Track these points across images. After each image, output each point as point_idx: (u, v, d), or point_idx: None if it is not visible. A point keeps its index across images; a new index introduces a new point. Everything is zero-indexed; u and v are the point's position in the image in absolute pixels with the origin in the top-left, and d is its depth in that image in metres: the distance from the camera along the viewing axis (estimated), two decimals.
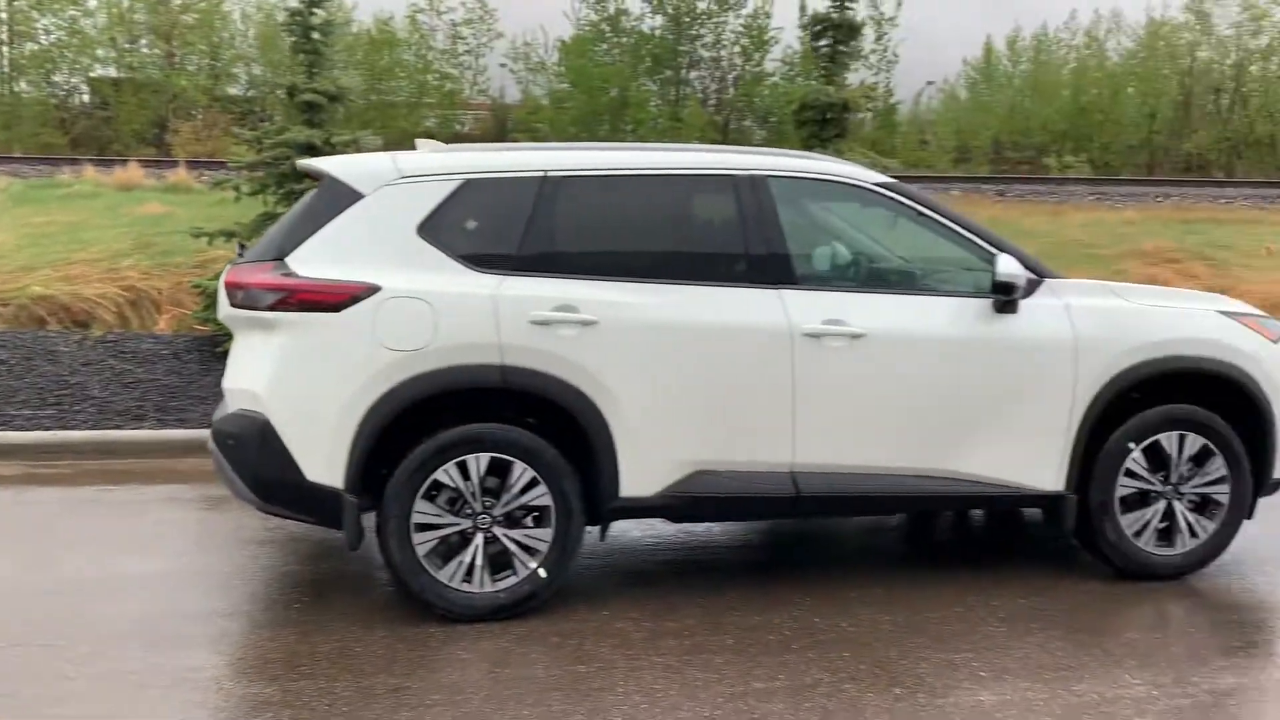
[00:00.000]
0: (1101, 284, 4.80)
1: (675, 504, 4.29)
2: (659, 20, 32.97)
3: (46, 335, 8.44)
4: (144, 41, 34.32)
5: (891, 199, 4.54)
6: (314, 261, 4.07)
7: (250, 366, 4.10)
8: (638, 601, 4.36)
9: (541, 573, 4.17)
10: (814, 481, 4.32)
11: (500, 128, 32.94)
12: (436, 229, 4.15)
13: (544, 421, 4.20)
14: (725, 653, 3.89)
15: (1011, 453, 4.46)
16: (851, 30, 8.65)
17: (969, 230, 4.55)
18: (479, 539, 4.13)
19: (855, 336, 4.30)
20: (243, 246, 4.62)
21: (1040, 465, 4.49)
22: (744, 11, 33.76)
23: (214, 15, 32.87)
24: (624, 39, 33.31)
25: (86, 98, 34.24)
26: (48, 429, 6.51)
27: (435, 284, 4.07)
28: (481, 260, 4.15)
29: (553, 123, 31.63)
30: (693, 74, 31.93)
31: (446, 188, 4.20)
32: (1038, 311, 4.47)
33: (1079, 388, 4.45)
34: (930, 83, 32.91)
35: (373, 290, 4.01)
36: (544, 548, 4.17)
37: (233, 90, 33.56)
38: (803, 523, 5.44)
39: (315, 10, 8.19)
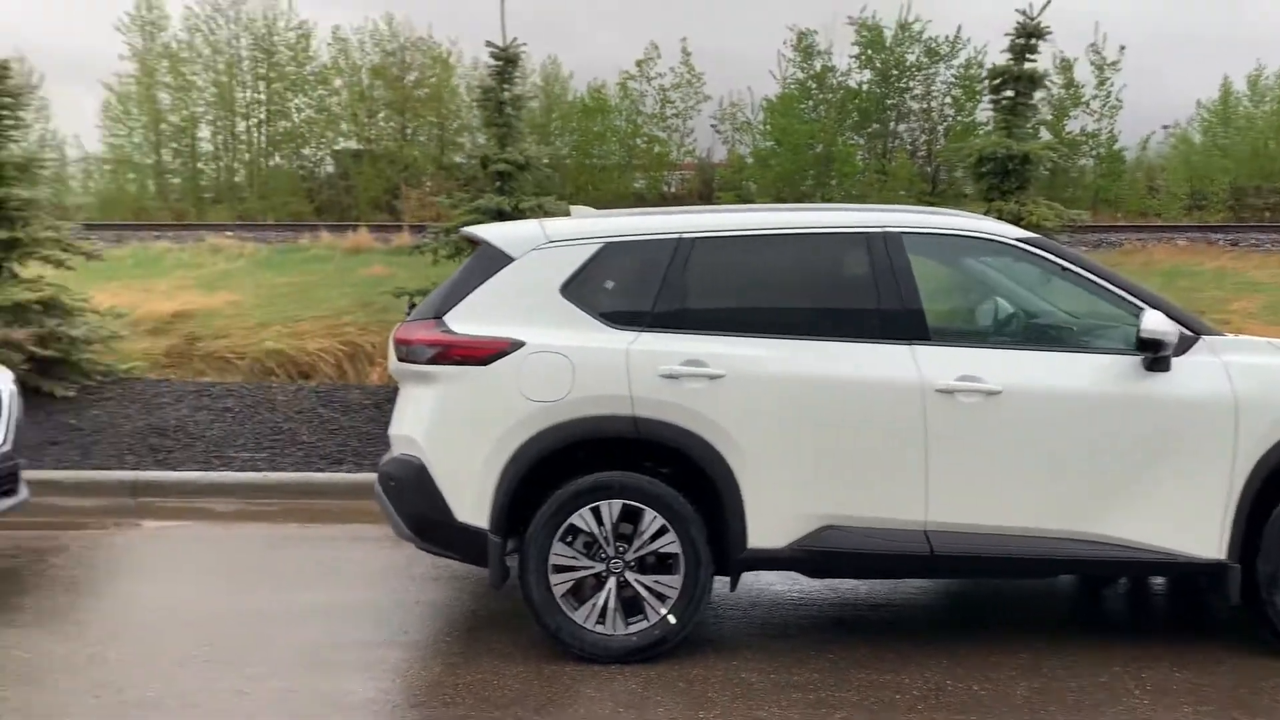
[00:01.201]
0: (1268, 341, 4.53)
1: (804, 557, 4.35)
2: (866, 75, 32.91)
3: (269, 385, 9.35)
4: (381, 116, 37.26)
5: (1033, 254, 4.48)
6: (468, 319, 4.43)
7: (411, 415, 4.49)
8: (768, 652, 4.42)
9: (671, 618, 4.31)
10: (948, 541, 4.28)
11: (706, 187, 33.63)
12: (578, 289, 4.43)
13: (676, 471, 4.37)
14: (847, 708, 3.89)
15: (1165, 518, 4.27)
16: (1032, 82, 8.47)
17: (1116, 285, 4.42)
18: (612, 582, 4.33)
19: (990, 393, 4.25)
20: (412, 305, 5.07)
21: (1197, 532, 4.26)
22: (955, 62, 33.25)
23: (443, 89, 35.30)
24: (830, 95, 33.43)
25: (330, 169, 37.44)
26: (260, 470, 7.23)
27: (574, 340, 4.34)
28: (618, 318, 4.40)
29: (757, 180, 32.04)
30: (901, 126, 31.60)
31: (588, 251, 4.49)
32: (1191, 369, 4.28)
33: (1240, 449, 4.21)
34: (1165, 126, 31.18)
35: (517, 345, 4.33)
36: (673, 594, 4.32)
37: (458, 158, 35.79)
38: (954, 582, 5.33)
39: (506, 86, 8.82)
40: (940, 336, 4.41)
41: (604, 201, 28.61)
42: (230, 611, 4.98)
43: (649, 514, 4.31)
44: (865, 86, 32.94)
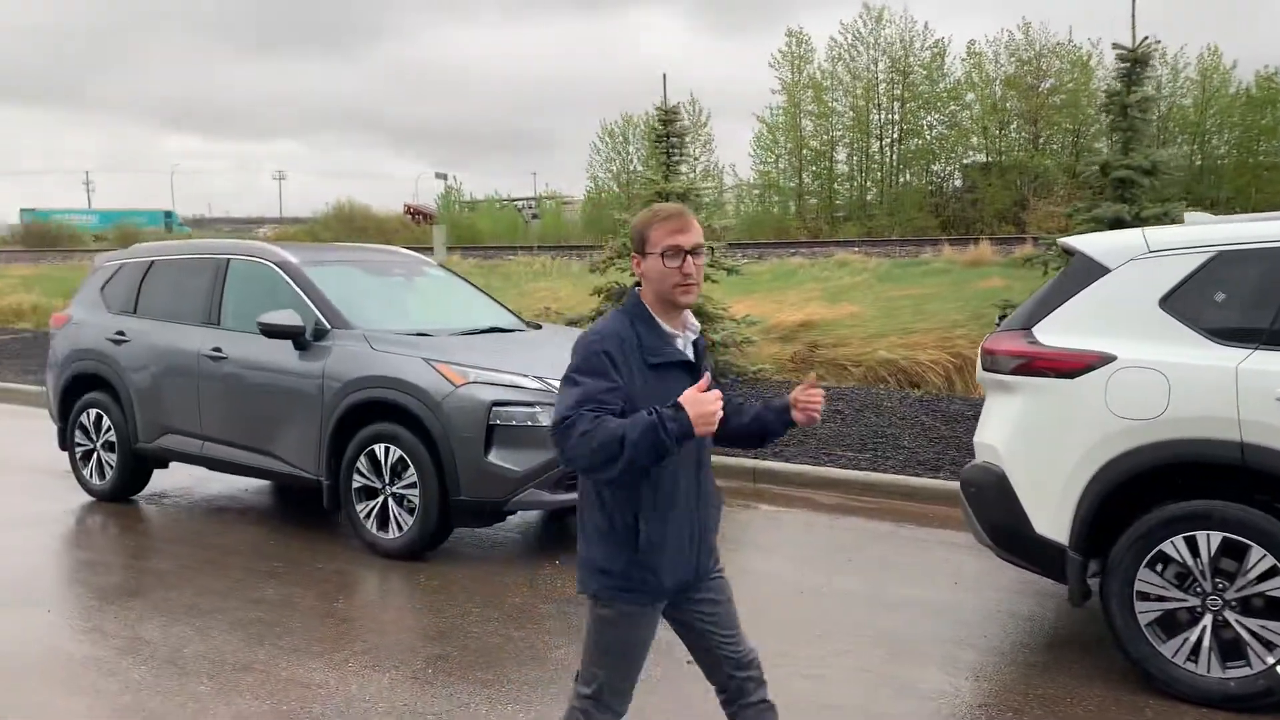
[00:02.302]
0: None
1: None
2: None
3: (877, 391, 9.87)
4: (1013, 126, 36.62)
5: None
6: (1057, 331, 4.39)
7: (994, 424, 4.57)
8: None
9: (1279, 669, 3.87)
10: None
11: None
12: (1181, 302, 4.16)
13: None
14: None
15: None
16: None
17: None
18: (1208, 619, 4.01)
19: None
20: (1003, 316, 5.11)
21: None
22: None
23: (1080, 94, 33.70)
24: None
25: (958, 183, 37.71)
26: (862, 469, 7.70)
27: (1173, 356, 4.09)
28: (1228, 334, 4.05)
29: None
30: None
31: (1195, 261, 4.19)
32: None
33: None
34: None
35: (1107, 360, 4.20)
36: None
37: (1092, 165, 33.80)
38: None
39: (1134, 89, 8.31)
40: None
41: (1271, 205, 24.97)
42: (825, 591, 5.47)
43: (1256, 551, 3.91)
44: None
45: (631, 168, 41.73)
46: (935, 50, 37.17)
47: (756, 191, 41.74)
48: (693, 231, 2.62)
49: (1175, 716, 3.93)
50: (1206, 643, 4.00)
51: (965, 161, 37.46)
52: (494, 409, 5.84)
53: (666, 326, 2.65)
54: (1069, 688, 4.20)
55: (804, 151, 38.91)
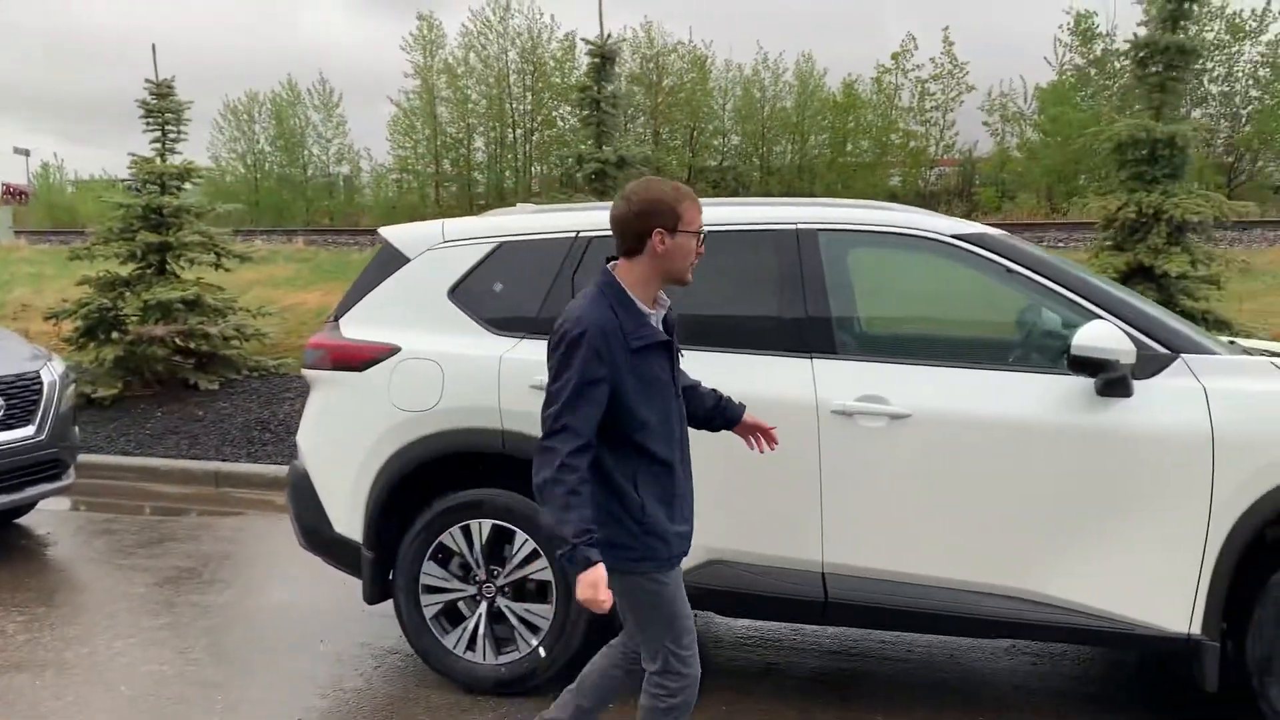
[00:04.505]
0: (1272, 361, 3.50)
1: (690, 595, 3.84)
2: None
3: None
4: (639, 122, 38.03)
5: (972, 253, 3.72)
6: (358, 322, 4.27)
7: (304, 421, 4.39)
8: None
9: (542, 651, 3.95)
10: (848, 586, 3.65)
11: (966, 183, 31.78)
12: (467, 292, 4.16)
13: None
14: None
15: (1119, 578, 3.41)
16: (1183, 54, 7.12)
17: (1074, 290, 3.58)
18: (483, 608, 4.03)
19: (896, 417, 3.57)
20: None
21: (1161, 597, 3.38)
22: (1263, 39, 29.46)
23: (697, 92, 35.47)
24: (1111, 81, 30.59)
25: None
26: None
27: (450, 346, 4.07)
28: (504, 323, 4.08)
29: (1022, 176, 29.88)
30: (1196, 112, 28.23)
31: (481, 251, 4.20)
32: (1158, 396, 3.39)
33: (1218, 496, 3.29)
34: None
35: (393, 351, 4.12)
36: (545, 625, 3.96)
37: (710, 162, 35.83)
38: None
39: (603, 84, 8.59)
40: (846, 349, 3.76)
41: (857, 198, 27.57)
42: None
43: (520, 536, 3.97)
44: None
45: (259, 148, 39.47)
46: (564, 43, 37.75)
47: (394, 177, 40.75)
48: None
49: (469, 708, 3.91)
50: (482, 630, 4.02)
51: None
52: None
53: (642, 305, 2.70)
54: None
55: (441, 138, 38.41)
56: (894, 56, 31.94)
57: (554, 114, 38.54)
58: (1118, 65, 30.50)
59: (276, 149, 39.00)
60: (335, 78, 51.23)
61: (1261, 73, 29.76)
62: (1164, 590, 3.38)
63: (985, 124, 31.53)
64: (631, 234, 2.70)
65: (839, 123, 32.90)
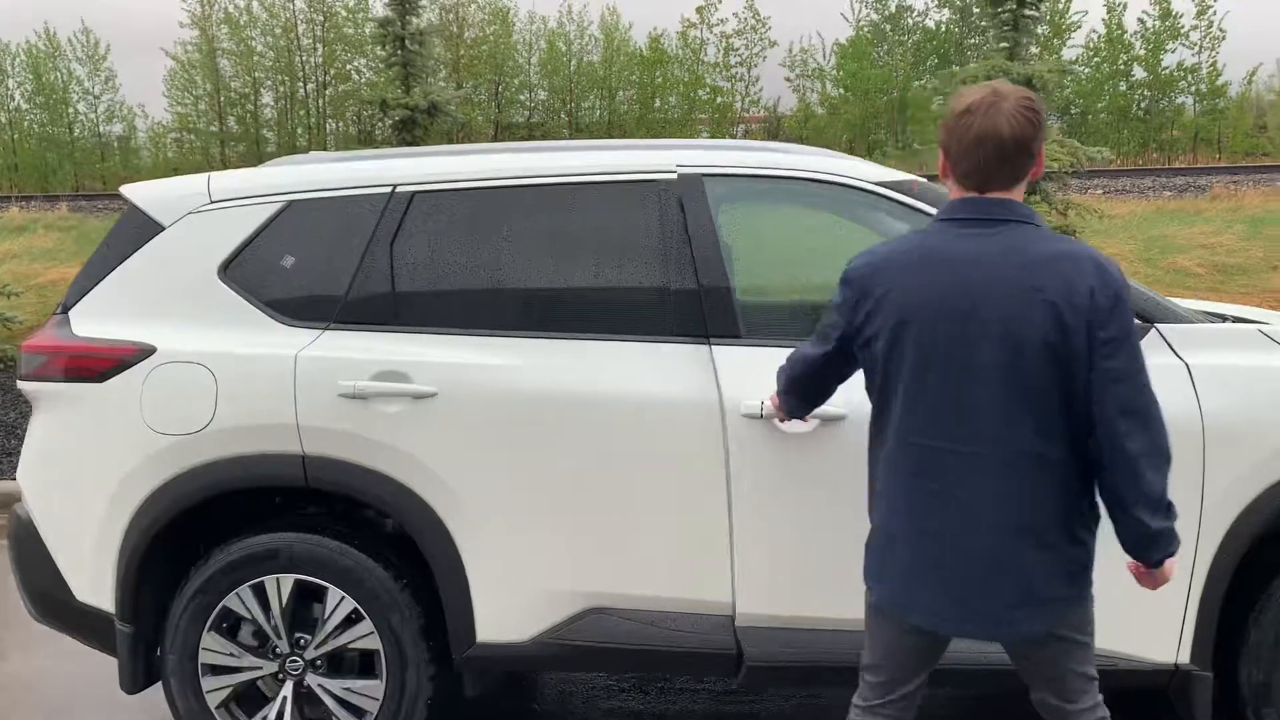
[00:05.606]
0: (1258, 329, 2.92)
1: (562, 654, 2.97)
2: (945, 15, 30.62)
3: None
4: (441, 75, 36.29)
5: (905, 206, 2.97)
6: (95, 314, 3.14)
7: (25, 453, 3.24)
8: None
9: None
10: (760, 638, 2.87)
11: (773, 138, 31.86)
12: (244, 268, 3.10)
13: (373, 535, 3.05)
14: None
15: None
16: None
17: None
18: (288, 688, 3.04)
19: (831, 419, 2.80)
20: None
21: (1142, 624, 2.77)
22: None
23: (500, 45, 34.10)
24: (906, 37, 31.22)
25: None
26: None
27: (224, 343, 3.02)
28: (297, 309, 3.06)
29: (825, 131, 30.13)
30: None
31: (264, 213, 3.14)
32: None
33: (1209, 500, 2.69)
34: None
35: (145, 353, 3.03)
36: (374, 706, 3.01)
37: (518, 118, 34.67)
38: None
39: (408, 18, 7.45)
40: (755, 332, 2.95)
41: None
42: None
43: (334, 593, 3.00)
44: (944, 27, 30.81)
45: (14, 105, 35.53)
46: None
47: (173, 136, 37.60)
48: None
49: None
50: (289, 718, 3.04)
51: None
52: None
53: None
54: None
55: (225, 94, 35.56)
56: (699, 10, 31.56)
57: (348, 66, 36.34)
58: (910, 22, 31.25)
59: (36, 106, 35.21)
60: (101, 29, 46.64)
61: (1042, 28, 31.04)
62: (1146, 615, 2.76)
63: (788, 80, 31.68)
64: (1034, 156, 2.11)
65: (646, 78, 32.37)
